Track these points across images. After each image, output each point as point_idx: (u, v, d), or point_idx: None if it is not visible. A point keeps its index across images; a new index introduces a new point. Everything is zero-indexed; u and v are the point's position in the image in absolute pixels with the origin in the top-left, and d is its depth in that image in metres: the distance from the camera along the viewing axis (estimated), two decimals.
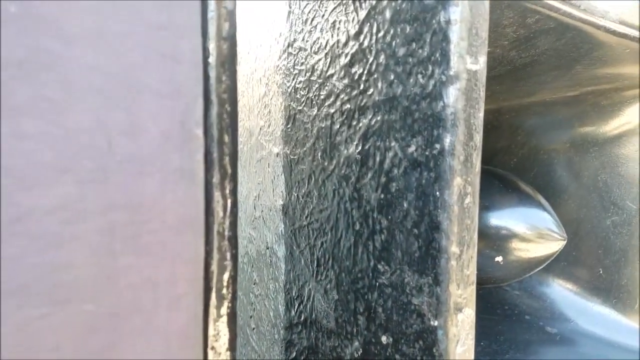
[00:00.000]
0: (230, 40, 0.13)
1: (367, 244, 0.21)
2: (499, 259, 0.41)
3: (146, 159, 0.11)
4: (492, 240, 0.42)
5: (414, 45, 0.17)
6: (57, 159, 0.10)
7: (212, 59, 0.12)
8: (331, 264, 0.23)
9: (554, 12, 0.25)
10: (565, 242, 0.42)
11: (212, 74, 0.12)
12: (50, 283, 0.10)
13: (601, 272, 0.57)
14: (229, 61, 0.13)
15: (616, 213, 0.56)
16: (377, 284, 0.20)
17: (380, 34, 0.19)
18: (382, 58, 0.19)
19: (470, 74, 0.16)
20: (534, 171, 0.57)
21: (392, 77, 0.19)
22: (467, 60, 0.16)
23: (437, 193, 0.17)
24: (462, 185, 0.17)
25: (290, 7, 0.24)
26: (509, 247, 0.42)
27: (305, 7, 0.23)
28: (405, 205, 0.19)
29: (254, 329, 0.33)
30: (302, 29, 0.23)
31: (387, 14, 0.18)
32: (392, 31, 0.18)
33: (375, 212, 0.20)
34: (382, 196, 0.20)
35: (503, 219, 0.42)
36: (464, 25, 0.16)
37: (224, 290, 0.13)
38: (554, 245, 0.42)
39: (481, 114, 0.17)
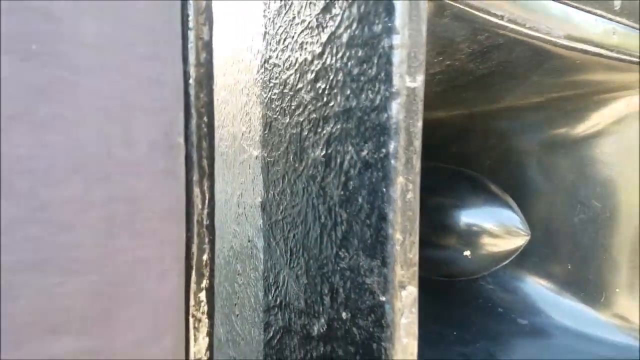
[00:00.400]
0: (206, 65, 0.16)
1: (330, 234, 0.24)
2: (467, 253, 0.45)
3: (138, 162, 0.14)
4: (462, 236, 0.45)
5: (364, 65, 0.21)
6: (70, 162, 0.13)
7: (191, 81, 0.15)
8: (302, 252, 0.26)
9: (501, 30, 0.28)
10: (529, 237, 0.45)
11: (192, 92, 0.15)
12: (64, 258, 0.13)
13: (570, 267, 0.61)
14: (206, 82, 0.16)
15: (583, 211, 0.60)
16: (339, 268, 0.23)
17: (339, 55, 0.22)
18: (340, 75, 0.22)
19: (409, 90, 0.20)
20: (507, 172, 0.60)
21: (348, 92, 0.22)
22: (407, 80, 0.20)
23: (384, 190, 0.20)
24: (404, 183, 0.20)
25: (266, 28, 0.27)
26: (479, 242, 0.45)
27: (278, 29, 0.26)
28: (360, 200, 0.22)
29: (237, 315, 0.36)
30: (276, 48, 0.27)
31: (344, 39, 0.22)
32: (347, 53, 0.22)
33: (337, 207, 0.23)
34: (342, 193, 0.23)
35: (473, 216, 0.45)
36: (404, 50, 0.19)
37: (203, 269, 0.16)
38: (519, 240, 0.45)
39: (419, 124, 0.20)
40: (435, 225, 0.47)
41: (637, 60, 0.45)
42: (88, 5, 0.13)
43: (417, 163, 0.21)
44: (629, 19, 0.41)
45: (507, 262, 0.48)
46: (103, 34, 0.13)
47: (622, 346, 0.58)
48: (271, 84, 0.28)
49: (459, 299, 0.58)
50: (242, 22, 0.31)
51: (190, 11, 0.15)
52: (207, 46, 0.15)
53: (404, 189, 0.20)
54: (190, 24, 0.15)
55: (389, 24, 0.19)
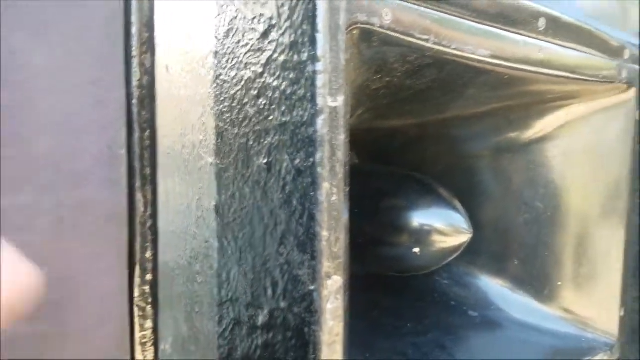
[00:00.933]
0: (148, 87, 0.18)
1: (272, 233, 0.27)
2: (417, 250, 0.48)
3: (85, 173, 0.17)
4: (412, 235, 0.49)
5: (295, 86, 0.24)
6: (25, 174, 0.16)
7: (134, 101, 0.18)
8: (249, 250, 0.29)
9: (428, 52, 0.32)
10: (471, 235, 0.49)
11: (135, 110, 0.18)
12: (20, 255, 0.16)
13: (517, 263, 0.66)
14: (148, 101, 0.18)
15: (527, 212, 0.64)
16: (279, 263, 0.26)
17: (276, 76, 0.25)
18: (277, 94, 0.25)
19: (331, 109, 0.23)
20: (458, 176, 0.64)
21: (284, 108, 0.25)
22: (329, 100, 0.23)
23: (313, 193, 0.24)
24: (329, 187, 0.24)
25: (217, 48, 0.30)
26: (427, 240, 0.49)
27: (227, 49, 0.29)
28: (295, 202, 0.25)
29: (197, 312, 0.38)
30: (225, 66, 0.30)
31: (279, 62, 0.25)
32: (282, 75, 0.25)
33: (277, 209, 0.26)
34: (281, 196, 0.26)
35: (421, 216, 0.49)
36: (326, 75, 0.23)
37: (147, 265, 0.19)
38: (462, 237, 0.49)
39: (341, 137, 0.24)
40: (388, 226, 0.51)
41: (565, 74, 0.49)
42: (41, 39, 0.16)
43: (340, 170, 0.24)
44: (554, 38, 0.46)
45: (453, 257, 0.52)
46: (54, 63, 0.16)
47: (565, 336, 0.63)
48: (222, 98, 0.31)
49: (415, 294, 0.62)
50: (199, 41, 0.33)
51: (134, 42, 0.17)
52: (148, 71, 0.18)
53: (329, 193, 0.24)
54: (134, 53, 0.17)
55: (313, 53, 0.23)
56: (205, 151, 0.35)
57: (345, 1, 0.23)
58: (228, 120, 0.30)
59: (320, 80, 0.23)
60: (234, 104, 0.29)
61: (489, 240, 0.66)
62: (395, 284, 0.64)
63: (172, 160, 0.39)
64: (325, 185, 0.23)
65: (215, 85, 0.31)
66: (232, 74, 0.29)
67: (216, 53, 0.30)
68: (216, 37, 0.30)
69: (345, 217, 0.25)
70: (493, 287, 0.67)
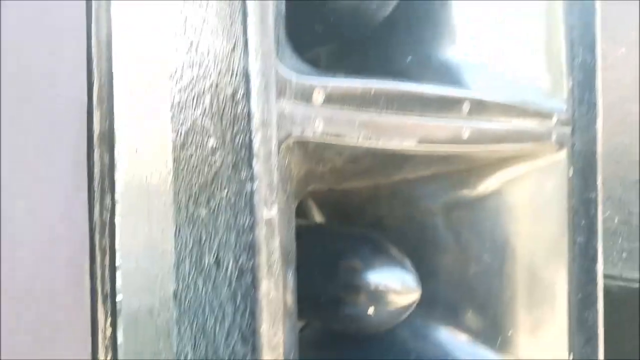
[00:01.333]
0: (108, 221, 0.22)
1: (221, 325, 0.30)
2: (371, 311, 0.52)
3: (56, 296, 0.20)
4: (364, 295, 0.53)
5: (237, 198, 0.28)
6: (6, 297, 0.19)
7: (97, 233, 0.22)
8: (202, 338, 0.32)
9: (359, 148, 0.37)
10: (419, 293, 0.53)
11: (97, 239, 0.22)
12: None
13: (470, 314, 0.69)
14: (108, 231, 0.22)
15: (476, 264, 0.69)
16: (227, 352, 0.30)
17: (222, 187, 0.30)
18: (224, 202, 0.30)
19: (267, 220, 0.27)
20: (412, 232, 0.69)
21: (229, 215, 0.29)
22: (264, 212, 0.27)
23: (253, 291, 0.27)
24: (266, 286, 0.27)
25: (174, 155, 0.35)
26: (380, 300, 0.52)
27: (182, 160, 0.34)
28: (239, 298, 0.29)
29: None
30: (183, 168, 0.34)
31: (225, 177, 0.29)
32: (227, 188, 0.29)
33: (225, 303, 0.30)
34: (228, 292, 0.30)
35: (374, 277, 0.53)
36: (261, 192, 0.27)
37: (107, 341, 0.22)
38: (412, 296, 0.53)
39: (276, 242, 0.28)
40: (342, 286, 0.54)
41: (494, 146, 0.56)
42: (20, 186, 0.19)
43: (277, 269, 0.28)
44: (479, 117, 0.52)
45: (406, 315, 0.56)
46: (30, 208, 0.19)
47: None
48: (179, 197, 0.35)
49: (377, 348, 0.65)
50: (159, 145, 0.38)
51: (95, 186, 0.21)
52: (107, 208, 0.22)
53: (267, 291, 0.27)
54: (95, 196, 0.21)
55: (251, 173, 0.27)
56: (166, 240, 0.38)
57: (276, 129, 0.28)
58: (184, 217, 0.34)
59: (256, 197, 0.27)
60: (189, 204, 0.33)
61: (444, 292, 0.70)
62: (359, 339, 0.67)
63: (141, 236, 0.42)
64: (264, 283, 0.27)
65: (174, 185, 0.35)
66: (188, 178, 0.33)
67: (175, 159, 0.35)
68: (174, 148, 0.34)
69: (290, 303, 0.29)
70: (451, 338, 0.70)
